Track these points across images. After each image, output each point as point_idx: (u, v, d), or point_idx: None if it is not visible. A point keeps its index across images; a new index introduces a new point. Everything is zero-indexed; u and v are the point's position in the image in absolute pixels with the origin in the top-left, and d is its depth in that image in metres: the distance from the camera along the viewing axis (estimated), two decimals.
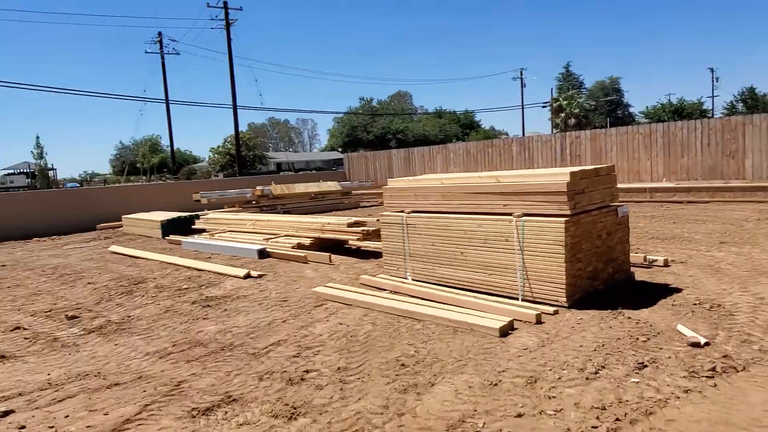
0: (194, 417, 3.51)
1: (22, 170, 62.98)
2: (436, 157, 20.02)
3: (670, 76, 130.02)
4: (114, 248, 11.26)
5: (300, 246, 8.92)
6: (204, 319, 5.85)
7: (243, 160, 52.99)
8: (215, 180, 28.57)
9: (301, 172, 42.53)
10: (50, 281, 8.63)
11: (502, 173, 5.87)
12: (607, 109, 73.21)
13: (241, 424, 3.36)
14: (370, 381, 3.87)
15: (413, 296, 6.00)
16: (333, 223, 8.93)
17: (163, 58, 38.92)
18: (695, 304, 4.96)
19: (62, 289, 8.00)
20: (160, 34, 39.48)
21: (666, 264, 6.55)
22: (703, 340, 4.01)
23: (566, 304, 5.11)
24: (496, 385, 3.61)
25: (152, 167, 59.07)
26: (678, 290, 5.49)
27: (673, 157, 14.72)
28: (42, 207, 16.18)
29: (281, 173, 45.98)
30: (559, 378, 3.63)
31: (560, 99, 53.53)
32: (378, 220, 7.59)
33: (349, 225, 8.56)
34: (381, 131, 52.34)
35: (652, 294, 5.41)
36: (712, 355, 3.82)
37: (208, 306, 6.36)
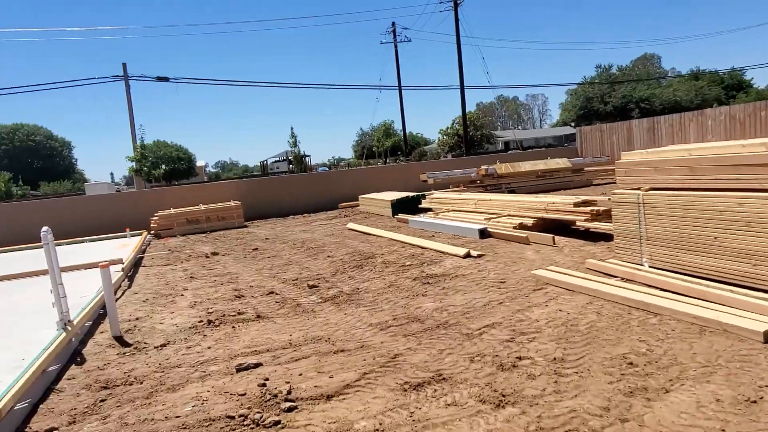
0: (405, 391, 3.63)
1: (284, 158, 74.25)
2: (688, 126, 17.26)
3: None
4: (351, 225, 12.44)
5: (522, 226, 8.62)
6: (423, 295, 6.05)
7: (470, 140, 53.80)
8: (442, 161, 29.50)
9: (529, 150, 41.30)
10: (299, 253, 9.92)
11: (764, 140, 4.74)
12: None
13: (448, 404, 3.36)
14: (589, 377, 3.51)
15: (649, 285, 5.29)
16: (558, 203, 8.40)
17: (396, 46, 41.43)
18: None
19: (307, 260, 9.12)
20: (393, 24, 42.05)
21: None
22: None
23: None
24: (755, 402, 2.94)
25: (386, 150, 63.83)
26: None
27: None
28: (296, 189, 18.74)
29: (509, 152, 45.25)
30: None
31: None
32: (609, 198, 6.89)
33: (576, 204, 7.94)
34: (621, 101, 47.41)
35: None
36: None
37: (428, 283, 6.56)
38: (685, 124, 17.55)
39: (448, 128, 54.94)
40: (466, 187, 15.85)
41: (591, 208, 7.71)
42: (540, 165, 16.25)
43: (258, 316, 5.94)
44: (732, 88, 55.03)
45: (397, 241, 9.80)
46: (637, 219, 5.96)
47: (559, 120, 71.91)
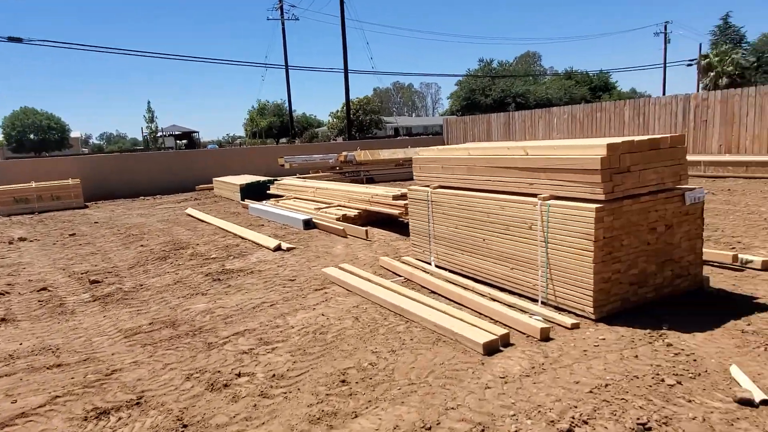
0: (86, 420, 3.08)
1: (171, 132, 69.62)
2: (537, 123, 18.10)
3: None
4: (189, 211, 11.53)
5: (345, 218, 8.31)
6: (203, 294, 5.50)
7: (359, 124, 53.61)
8: (303, 145, 28.71)
9: (399, 138, 41.72)
10: (115, 241, 8.93)
11: (532, 143, 4.68)
12: None
13: None
14: (294, 398, 3.16)
15: (422, 286, 5.13)
16: (380, 195, 8.17)
17: (283, 24, 39.87)
18: None
19: (117, 250, 8.20)
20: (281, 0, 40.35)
21: (766, 267, 4.93)
22: (759, 397, 2.73)
23: (593, 316, 3.94)
24: (429, 429, 2.72)
25: (261, 130, 62.09)
26: (764, 308, 4.01)
27: None
28: (154, 168, 17.26)
29: (398, 137, 45.65)
30: None
31: (710, 56, 46.62)
32: (404, 195, 6.72)
33: (395, 198, 7.75)
34: (500, 94, 49.47)
35: (723, 311, 4.01)
36: (764, 424, 2.56)
37: (218, 280, 6.01)
38: (535, 121, 18.36)
39: (338, 111, 54.31)
40: (324, 174, 15.41)
41: (404, 201, 7.53)
42: (400, 154, 16.18)
43: (2, 319, 5.07)
44: (599, 89, 59.29)
45: (224, 230, 9.13)
46: (426, 217, 5.80)
47: (448, 109, 73.90)
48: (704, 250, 5.28)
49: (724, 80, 44.64)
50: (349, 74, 33.60)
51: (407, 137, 49.98)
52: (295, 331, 4.25)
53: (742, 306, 4.08)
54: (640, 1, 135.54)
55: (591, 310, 3.94)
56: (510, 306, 4.38)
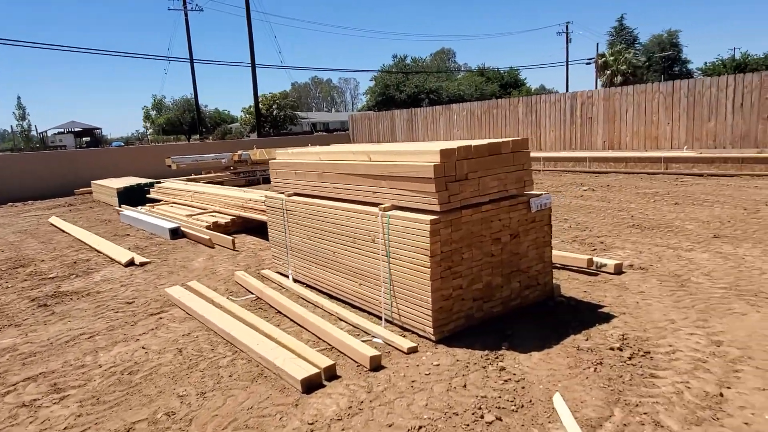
0: None
1: (69, 129, 64.55)
2: (439, 120, 18.12)
3: (736, 28, 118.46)
4: (52, 220, 10.34)
5: (216, 226, 7.65)
6: (16, 326, 4.68)
7: (273, 120, 52.11)
8: (196, 144, 27.33)
9: (331, 133, 41.08)
10: None
11: (377, 148, 4.30)
12: (663, 65, 67.54)
13: None
14: None
15: (272, 306, 4.63)
16: (255, 200, 7.57)
17: (186, 14, 37.80)
18: (613, 349, 3.35)
19: None
20: None
21: (618, 271, 4.86)
22: None
23: (433, 337, 3.60)
24: None
25: (161, 127, 59.43)
26: (606, 319, 3.86)
27: (698, 121, 12.35)
28: (28, 169, 15.54)
29: (315, 134, 44.68)
30: None
31: (606, 55, 49.40)
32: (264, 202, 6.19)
33: None
34: (413, 90, 49.88)
35: (568, 323, 3.82)
36: None
37: (45, 305, 5.20)
38: (436, 118, 18.36)
39: (250, 107, 52.53)
40: (218, 175, 14.50)
41: None
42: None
43: None
44: (509, 85, 61.26)
45: (81, 241, 8.16)
46: (283, 226, 5.30)
47: (365, 105, 73.70)
48: (564, 253, 5.15)
49: (618, 78, 47.45)
50: (259, 69, 32.43)
51: (324, 133, 49.13)
52: (101, 372, 3.61)
53: (586, 316, 3.92)
54: (546, 1, 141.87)
55: (431, 330, 3.61)
56: (354, 327, 3.98)
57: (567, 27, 57.67)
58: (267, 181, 15.09)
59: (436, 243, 3.52)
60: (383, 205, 3.93)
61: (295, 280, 5.22)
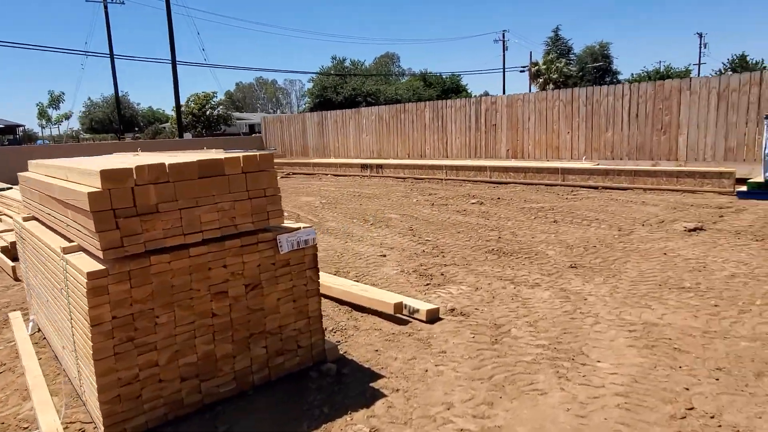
0: None
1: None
2: (348, 124, 17.09)
3: (661, 42, 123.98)
4: None
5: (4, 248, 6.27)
6: None
7: (206, 120, 49.77)
8: (68, 145, 25.42)
9: (237, 136, 39.17)
10: None
11: (81, 164, 3.14)
12: (595, 75, 69.43)
13: None
14: None
15: None
16: None
17: (106, 7, 35.28)
18: None
19: None
20: None
21: (432, 318, 3.89)
22: None
23: None
24: None
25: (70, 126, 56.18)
26: (369, 400, 2.85)
27: (597, 131, 11.83)
28: None
29: (253, 135, 42.72)
30: None
31: (539, 63, 50.01)
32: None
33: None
34: (351, 93, 48.84)
35: (315, 407, 2.78)
36: None
37: None
38: (346, 121, 17.33)
39: (181, 106, 50.08)
40: None
41: None
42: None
43: None
44: (451, 90, 61.21)
45: None
46: (23, 256, 4.06)
47: (306, 106, 72.15)
48: (372, 293, 4.15)
49: (551, 86, 48.09)
50: (194, 67, 30.55)
51: (244, 135, 47.19)
52: None
53: (347, 396, 2.89)
54: (486, 8, 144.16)
55: (102, 429, 2.49)
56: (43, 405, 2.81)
57: (504, 35, 58.14)
58: None
59: (103, 306, 2.41)
60: (66, 245, 2.78)
61: (40, 329, 3.99)
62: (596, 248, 5.76)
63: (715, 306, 3.86)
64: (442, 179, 13.03)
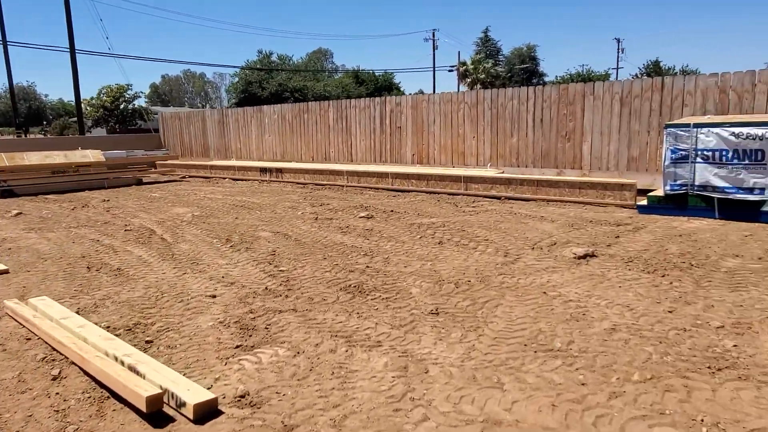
0: None
1: None
2: (250, 123, 15.65)
3: (585, 45, 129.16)
4: None
5: None
6: None
7: (120, 114, 46.23)
8: None
9: (137, 134, 36.38)
10: None
11: None
12: (523, 77, 70.85)
13: None
14: None
15: None
16: None
17: None
18: None
19: None
20: None
21: (201, 415, 2.75)
22: None
23: None
24: None
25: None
26: None
27: (502, 136, 11.14)
28: None
29: (152, 133, 39.69)
30: None
31: (467, 63, 50.07)
32: None
33: None
34: (277, 88, 46.82)
35: None
36: None
37: None
38: (248, 120, 15.89)
39: (92, 98, 46.41)
40: None
41: None
42: (58, 158, 12.27)
43: None
44: (384, 89, 60.33)
45: None
46: None
47: (232, 102, 69.17)
48: (127, 381, 2.95)
49: (478, 86, 48.18)
50: (110, 58, 27.80)
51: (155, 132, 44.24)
52: None
53: None
54: (419, 7, 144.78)
55: None
56: None
57: (434, 34, 57.99)
58: (9, 193, 11.69)
59: None
60: None
61: None
62: (470, 284, 4.82)
63: (583, 385, 2.94)
64: (343, 186, 11.94)
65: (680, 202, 7.52)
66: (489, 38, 72.36)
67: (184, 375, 3.12)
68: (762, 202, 6.92)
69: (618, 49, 65.94)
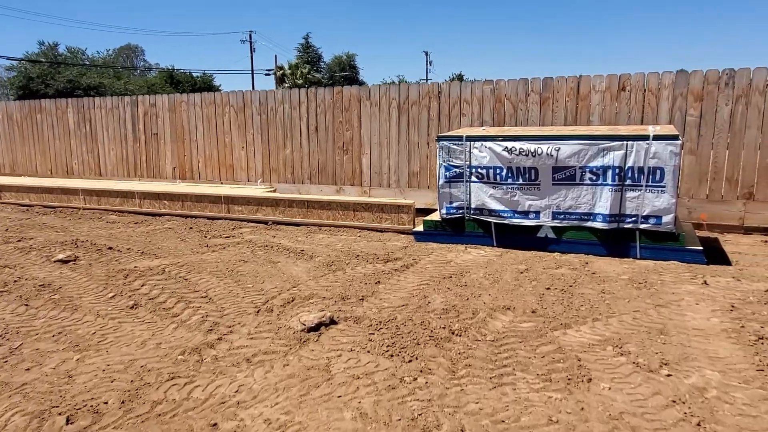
0: None
1: None
2: None
3: (400, 56, 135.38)
4: None
5: None
6: None
7: None
8: None
9: None
10: None
11: None
12: (343, 84, 70.92)
13: None
14: None
15: None
16: None
17: None
18: None
19: None
20: None
21: None
22: None
23: None
24: None
25: None
26: None
27: (274, 146, 9.34)
28: None
29: None
30: None
31: (284, 67, 47.94)
32: None
33: None
34: (66, 85, 39.54)
35: None
36: None
37: None
38: None
39: None
40: None
41: None
42: None
43: None
44: (203, 89, 55.07)
45: None
46: None
47: (12, 99, 57.68)
48: None
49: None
50: None
51: None
52: None
53: None
54: (235, 6, 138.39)
55: None
56: None
57: (251, 36, 54.73)
58: None
59: None
60: None
61: None
62: (98, 415, 2.72)
63: None
64: (80, 208, 8.97)
65: (458, 228, 6.35)
66: (310, 44, 71.08)
67: None
68: (537, 228, 5.99)
69: (426, 61, 69.54)
